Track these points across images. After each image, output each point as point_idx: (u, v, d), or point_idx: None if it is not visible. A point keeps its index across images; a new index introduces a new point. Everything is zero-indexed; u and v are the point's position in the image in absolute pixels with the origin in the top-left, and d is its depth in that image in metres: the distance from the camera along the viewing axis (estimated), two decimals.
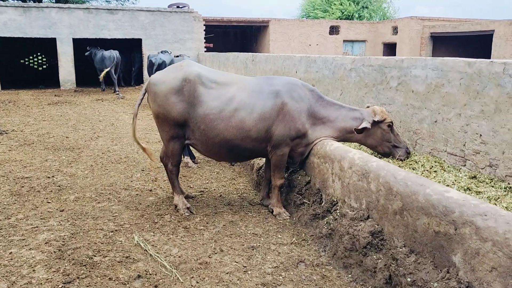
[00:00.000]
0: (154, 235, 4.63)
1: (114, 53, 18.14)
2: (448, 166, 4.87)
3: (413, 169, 4.89)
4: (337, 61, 7.38)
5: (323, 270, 4.08)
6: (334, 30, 28.51)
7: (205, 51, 21.83)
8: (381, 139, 5.25)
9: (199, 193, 6.07)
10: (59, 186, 6.04)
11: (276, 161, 5.28)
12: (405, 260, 3.48)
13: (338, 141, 5.38)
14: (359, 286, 3.82)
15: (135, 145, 8.83)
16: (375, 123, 5.15)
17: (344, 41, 28.45)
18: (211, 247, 4.41)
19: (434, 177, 4.58)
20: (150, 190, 6.04)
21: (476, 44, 23.54)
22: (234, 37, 31.82)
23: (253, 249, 4.40)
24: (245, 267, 4.03)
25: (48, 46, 21.68)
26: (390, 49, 27.64)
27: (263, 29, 28.17)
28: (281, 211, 5.37)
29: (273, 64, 10.64)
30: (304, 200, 5.30)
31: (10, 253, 4.05)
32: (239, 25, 28.15)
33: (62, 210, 5.14)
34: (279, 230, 4.91)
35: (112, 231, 4.62)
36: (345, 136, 5.36)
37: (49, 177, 6.44)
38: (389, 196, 3.76)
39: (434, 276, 3.19)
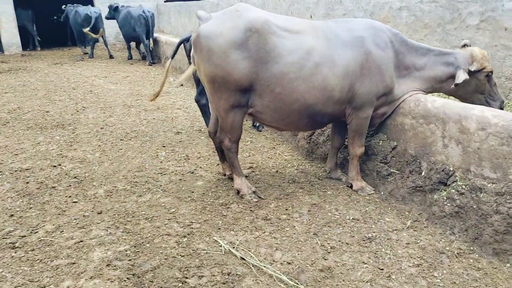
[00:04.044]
0: (236, 235, 3.60)
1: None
2: None
3: None
4: (377, 0, 6.33)
5: (471, 260, 3.27)
6: None
7: (164, 1, 19.80)
8: (474, 90, 4.31)
9: (250, 170, 5.02)
10: (75, 177, 4.77)
11: (358, 125, 4.32)
12: None
13: (426, 93, 4.47)
14: None
15: (132, 113, 7.51)
16: (471, 73, 4.19)
17: None
18: (318, 244, 3.47)
19: None
20: (192, 172, 4.91)
21: None
22: None
23: (370, 242, 3.50)
24: (381, 269, 3.14)
25: None
26: None
27: None
28: (363, 185, 4.47)
29: (273, 10, 9.37)
30: (392, 170, 4.42)
31: None
32: None
33: (100, 212, 3.95)
34: (380, 211, 4.03)
35: (184, 236, 3.54)
36: (434, 87, 4.43)
37: (54, 166, 5.11)
38: None
39: None
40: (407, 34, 5.89)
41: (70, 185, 4.55)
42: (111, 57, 15.44)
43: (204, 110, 6.20)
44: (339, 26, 4.20)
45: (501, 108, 4.29)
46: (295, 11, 8.48)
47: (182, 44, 5.52)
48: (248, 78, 3.87)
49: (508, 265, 3.21)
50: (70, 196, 4.28)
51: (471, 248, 3.41)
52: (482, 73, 4.22)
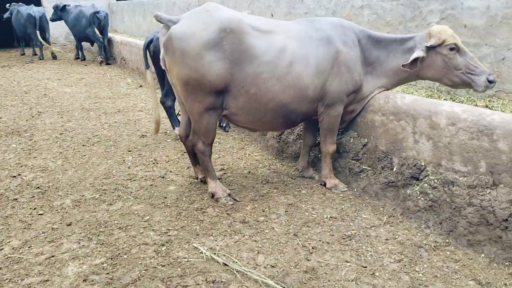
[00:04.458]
0: (215, 240, 3.52)
1: None
2: None
3: None
4: None
5: (448, 253, 3.36)
6: None
7: (116, 0, 19.25)
8: (444, 67, 3.99)
9: (221, 172, 4.95)
10: (38, 187, 4.51)
11: (329, 123, 4.34)
12: None
13: (395, 86, 4.53)
14: (504, 267, 3.17)
15: (92, 117, 7.24)
16: (430, 49, 4.03)
17: None
18: (299, 245, 3.45)
19: None
20: (163, 177, 4.77)
21: None
22: None
23: (350, 239, 3.52)
24: (364, 267, 3.16)
25: None
26: None
27: None
28: (336, 182, 4.51)
29: (233, 8, 9.27)
30: (364, 167, 4.48)
31: None
32: None
33: (70, 224, 3.75)
34: (356, 208, 4.07)
35: (162, 244, 3.42)
36: (401, 78, 4.36)
37: (14, 176, 4.82)
38: None
39: None
40: None
41: (33, 196, 4.31)
42: (54, 57, 14.88)
43: (170, 112, 6.06)
44: (308, 25, 4.20)
45: (491, 82, 3.88)
46: (256, 9, 8.45)
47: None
48: (223, 80, 3.79)
49: (483, 255, 3.32)
50: (35, 208, 4.05)
51: (447, 240, 3.51)
52: (443, 47, 3.97)
